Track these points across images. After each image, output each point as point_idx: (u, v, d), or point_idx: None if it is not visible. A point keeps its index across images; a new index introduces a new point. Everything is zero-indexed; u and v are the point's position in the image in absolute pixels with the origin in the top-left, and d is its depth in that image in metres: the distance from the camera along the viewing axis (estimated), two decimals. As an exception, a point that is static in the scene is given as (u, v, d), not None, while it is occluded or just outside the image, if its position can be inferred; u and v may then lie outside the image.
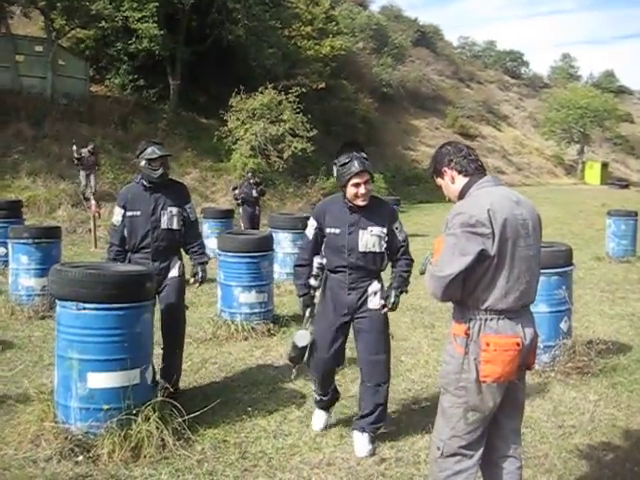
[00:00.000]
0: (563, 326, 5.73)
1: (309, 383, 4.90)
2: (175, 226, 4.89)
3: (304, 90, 22.86)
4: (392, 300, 4.03)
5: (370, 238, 3.97)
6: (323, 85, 26.56)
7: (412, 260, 4.15)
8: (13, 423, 4.15)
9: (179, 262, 4.96)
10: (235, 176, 20.11)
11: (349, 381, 5.28)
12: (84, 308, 3.90)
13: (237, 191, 13.69)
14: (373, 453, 3.98)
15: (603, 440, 4.25)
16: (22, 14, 21.50)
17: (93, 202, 14.16)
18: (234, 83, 22.00)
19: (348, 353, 4.44)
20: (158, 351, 4.84)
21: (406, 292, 4.18)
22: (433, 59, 53.10)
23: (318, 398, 4.38)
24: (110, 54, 24.31)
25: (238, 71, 24.35)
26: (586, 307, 8.22)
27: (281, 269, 9.90)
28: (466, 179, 2.89)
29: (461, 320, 2.79)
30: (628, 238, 12.79)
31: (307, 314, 4.17)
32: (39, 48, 21.15)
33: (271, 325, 7.06)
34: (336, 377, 4.51)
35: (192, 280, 5.11)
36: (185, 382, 5.24)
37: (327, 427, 4.37)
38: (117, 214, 4.92)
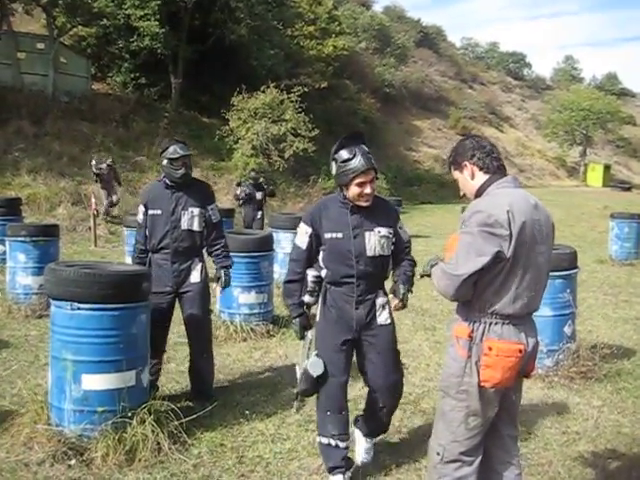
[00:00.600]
0: (567, 330, 5.63)
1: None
2: (196, 227, 4.74)
3: (306, 90, 22.76)
4: (402, 292, 3.63)
5: (378, 240, 3.53)
6: (325, 85, 26.42)
7: (415, 262, 3.82)
8: (5, 425, 4.07)
9: (200, 264, 4.79)
10: (237, 175, 20.02)
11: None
12: (79, 308, 3.82)
13: (239, 190, 13.18)
14: (373, 458, 3.89)
15: (608, 447, 4.16)
16: (24, 11, 21.39)
17: (93, 200, 14.08)
18: (236, 82, 21.92)
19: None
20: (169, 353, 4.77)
21: (411, 292, 3.81)
22: (436, 60, 53.00)
23: (334, 443, 3.57)
24: (112, 52, 24.23)
25: (240, 70, 24.27)
26: (589, 310, 8.13)
27: (281, 269, 9.78)
28: (486, 176, 2.80)
29: (464, 322, 2.71)
30: (631, 241, 12.72)
31: (308, 337, 3.65)
32: (41, 45, 21.07)
33: (270, 326, 6.98)
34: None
35: (214, 285, 4.99)
36: (182, 384, 5.16)
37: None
38: (139, 212, 4.85)
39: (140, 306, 4.05)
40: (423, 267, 3.08)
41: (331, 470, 3.61)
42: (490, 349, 2.62)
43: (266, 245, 7.27)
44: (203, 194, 4.88)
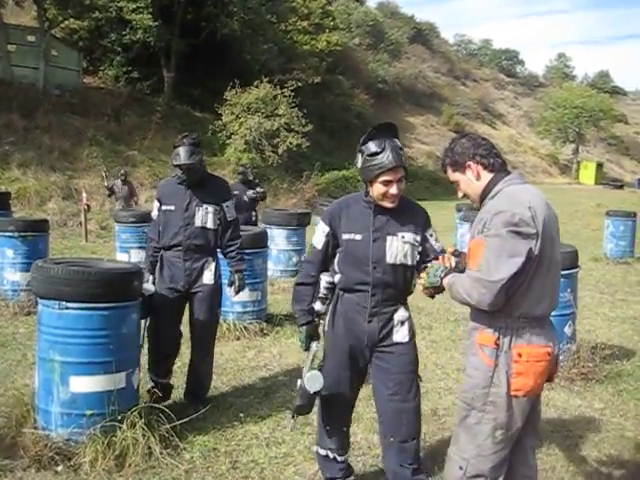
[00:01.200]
0: (567, 330, 5.54)
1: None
2: (210, 225, 4.52)
3: (300, 85, 22.66)
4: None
5: (401, 246, 3.10)
6: (319, 80, 26.30)
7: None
8: (-10, 428, 3.92)
9: (214, 264, 4.57)
10: (229, 170, 19.87)
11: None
12: (67, 307, 3.67)
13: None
14: (370, 466, 3.76)
15: (612, 452, 4.06)
16: (14, 3, 21.18)
17: (84, 195, 13.91)
18: (229, 76, 21.79)
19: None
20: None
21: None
22: (429, 56, 53.00)
23: (332, 456, 3.35)
24: (104, 45, 24.07)
25: (233, 64, 24.13)
26: (586, 309, 8.04)
27: (275, 266, 9.69)
28: (491, 175, 2.66)
29: (488, 329, 2.56)
30: (627, 239, 12.70)
31: (313, 348, 3.24)
32: (32, 38, 20.86)
33: (264, 324, 6.84)
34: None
35: (229, 290, 4.81)
36: (174, 385, 5.01)
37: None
38: (154, 207, 4.69)
39: (131, 305, 3.90)
40: (426, 278, 2.84)
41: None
42: (520, 355, 2.48)
43: (260, 242, 7.11)
44: (219, 191, 4.66)
